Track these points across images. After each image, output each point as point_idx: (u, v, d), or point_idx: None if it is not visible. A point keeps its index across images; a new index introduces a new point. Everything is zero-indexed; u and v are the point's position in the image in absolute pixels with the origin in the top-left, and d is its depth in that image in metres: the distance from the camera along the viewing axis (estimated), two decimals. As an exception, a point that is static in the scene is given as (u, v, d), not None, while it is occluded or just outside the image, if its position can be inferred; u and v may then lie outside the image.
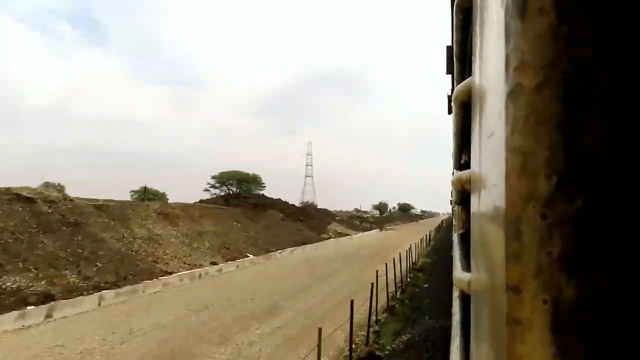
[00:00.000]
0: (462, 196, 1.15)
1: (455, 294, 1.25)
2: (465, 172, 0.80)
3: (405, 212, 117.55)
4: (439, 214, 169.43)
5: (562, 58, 0.27)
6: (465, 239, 1.08)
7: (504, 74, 0.30)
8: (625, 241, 0.26)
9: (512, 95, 0.29)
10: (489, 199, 0.37)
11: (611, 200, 0.26)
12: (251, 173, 54.44)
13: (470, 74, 0.77)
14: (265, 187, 55.59)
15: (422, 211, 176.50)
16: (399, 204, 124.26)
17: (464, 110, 0.83)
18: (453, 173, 1.32)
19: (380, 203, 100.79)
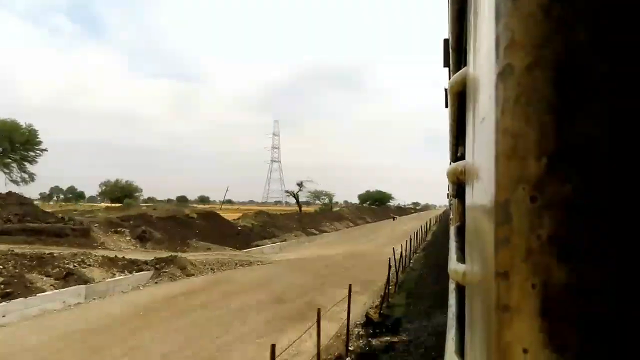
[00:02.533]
0: (458, 189, 1.15)
1: (452, 286, 1.25)
2: (460, 163, 0.80)
3: (379, 204, 77.39)
4: (435, 206, 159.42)
5: (554, 38, 0.27)
6: (461, 231, 1.08)
7: (495, 54, 0.29)
8: (616, 224, 0.26)
9: (503, 75, 0.28)
10: (481, 185, 0.37)
11: (602, 182, 0.26)
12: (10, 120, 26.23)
13: (465, 65, 0.77)
14: (45, 150, 28.59)
15: (413, 203, 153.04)
16: (367, 191, 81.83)
17: (459, 100, 0.82)
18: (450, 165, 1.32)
19: (299, 188, 49.88)
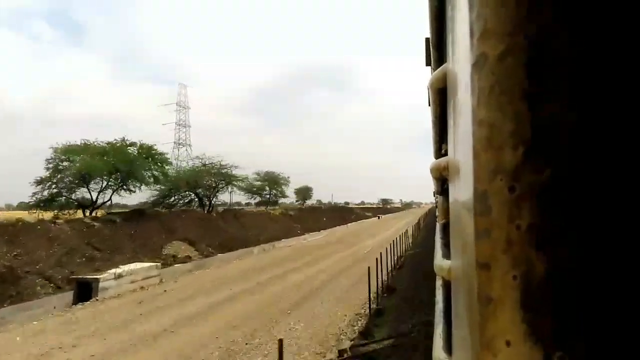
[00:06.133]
0: (442, 185, 1.15)
1: (438, 283, 1.25)
2: (444, 159, 0.80)
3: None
4: (420, 204, 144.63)
5: (526, 24, 0.26)
6: (446, 228, 1.08)
7: (469, 44, 0.29)
8: (596, 212, 0.25)
9: (477, 65, 0.28)
10: (462, 178, 0.36)
11: (580, 170, 0.26)
12: None
13: (446, 62, 0.77)
14: None
15: (382, 200, 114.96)
16: (262, 172, 38.92)
17: (441, 97, 0.82)
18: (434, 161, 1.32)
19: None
